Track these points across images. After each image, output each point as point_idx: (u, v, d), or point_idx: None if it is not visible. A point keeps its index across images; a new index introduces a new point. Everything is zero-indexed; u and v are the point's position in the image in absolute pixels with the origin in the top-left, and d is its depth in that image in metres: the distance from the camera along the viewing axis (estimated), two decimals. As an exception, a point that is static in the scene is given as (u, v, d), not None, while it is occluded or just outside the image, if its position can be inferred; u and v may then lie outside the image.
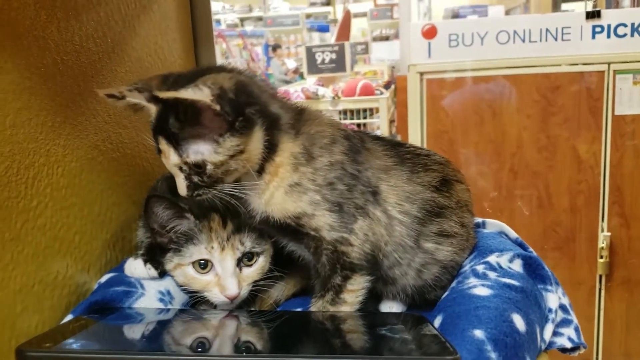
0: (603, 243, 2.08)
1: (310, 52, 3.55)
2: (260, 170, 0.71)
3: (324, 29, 7.53)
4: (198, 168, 0.68)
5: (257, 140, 0.69)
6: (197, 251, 0.76)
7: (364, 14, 7.47)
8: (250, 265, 0.78)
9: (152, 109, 0.68)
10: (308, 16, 7.91)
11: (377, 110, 3.28)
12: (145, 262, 0.79)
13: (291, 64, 6.50)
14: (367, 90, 3.31)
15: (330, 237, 0.72)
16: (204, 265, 0.76)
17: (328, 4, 8.19)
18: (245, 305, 0.80)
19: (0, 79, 0.64)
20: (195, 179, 0.69)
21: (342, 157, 0.74)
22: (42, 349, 0.55)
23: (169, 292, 0.78)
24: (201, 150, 0.67)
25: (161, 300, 0.76)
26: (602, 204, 2.08)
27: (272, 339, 0.67)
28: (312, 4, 8.23)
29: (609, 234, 2.08)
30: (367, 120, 3.33)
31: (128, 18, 0.90)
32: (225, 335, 0.68)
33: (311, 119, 0.76)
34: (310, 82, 3.71)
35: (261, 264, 0.79)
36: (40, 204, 0.70)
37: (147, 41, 0.96)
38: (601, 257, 2.08)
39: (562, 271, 2.13)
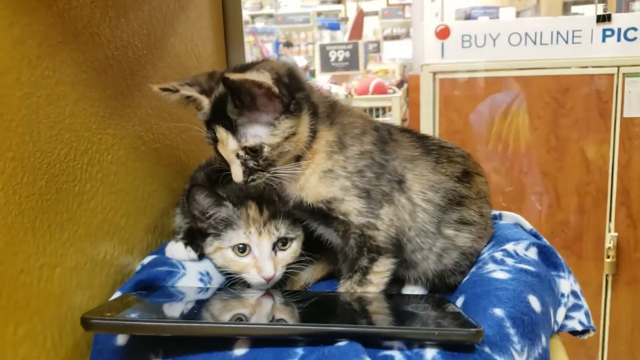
0: (610, 243, 2.11)
1: (324, 50, 3.60)
2: (298, 157, 0.76)
3: (334, 27, 7.56)
4: (254, 152, 0.73)
5: (305, 124, 0.75)
6: (236, 236, 0.82)
7: (375, 13, 7.50)
8: (284, 250, 0.84)
9: (205, 101, 0.74)
10: (319, 14, 7.94)
11: (390, 108, 3.32)
12: (186, 245, 0.85)
13: (301, 61, 6.54)
14: (380, 89, 3.36)
15: (358, 222, 0.77)
16: (242, 249, 0.82)
17: (339, 2, 8.20)
18: (278, 287, 0.86)
19: (61, 71, 0.70)
20: (251, 163, 0.74)
21: (372, 147, 0.79)
22: (105, 317, 0.60)
23: (207, 273, 0.84)
24: (259, 134, 0.72)
25: (201, 280, 0.82)
26: (609, 204, 2.12)
27: (304, 316, 0.72)
28: (323, 2, 8.25)
29: (616, 234, 2.11)
30: (380, 119, 3.37)
31: (168, 16, 0.96)
32: (262, 312, 0.73)
33: (344, 111, 0.82)
34: (324, 80, 3.76)
35: (294, 248, 0.85)
36: (93, 188, 0.76)
37: (184, 38, 1.02)
38: (608, 257, 2.12)
39: (569, 270, 2.16)
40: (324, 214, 0.78)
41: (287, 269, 0.84)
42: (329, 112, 0.79)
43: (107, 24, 0.80)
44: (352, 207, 0.77)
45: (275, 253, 0.83)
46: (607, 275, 2.14)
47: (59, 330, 0.68)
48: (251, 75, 0.67)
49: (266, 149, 0.72)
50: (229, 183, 0.80)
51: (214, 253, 0.83)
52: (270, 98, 0.70)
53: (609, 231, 2.12)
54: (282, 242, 0.84)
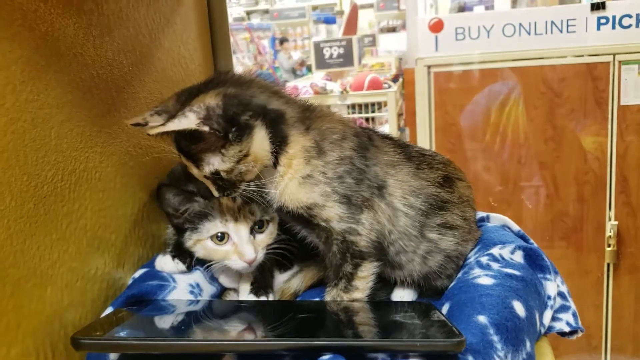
0: (610, 232, 2.11)
1: (318, 47, 3.61)
2: (276, 163, 0.78)
3: (330, 20, 7.53)
4: (216, 175, 0.76)
5: (259, 141, 0.75)
6: (214, 226, 0.83)
7: (370, 5, 7.47)
8: (262, 232, 0.86)
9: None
10: (314, 8, 7.91)
11: (385, 103, 3.33)
12: (173, 257, 0.87)
13: (297, 56, 6.54)
14: (375, 84, 3.36)
15: (339, 228, 0.78)
16: (221, 237, 0.84)
17: (334, -5, 8.18)
18: (270, 295, 0.87)
19: (46, 94, 0.71)
20: (219, 182, 0.77)
21: (352, 152, 0.79)
22: (94, 337, 0.62)
23: (198, 285, 0.85)
24: (211, 162, 0.75)
25: (191, 292, 0.83)
26: (608, 193, 2.12)
27: (291, 329, 0.73)
28: (318, -5, 8.23)
29: (616, 222, 2.11)
30: (376, 114, 3.38)
31: (154, 31, 0.97)
32: (249, 325, 0.75)
33: (322, 116, 0.82)
34: (319, 77, 3.76)
35: (271, 229, 0.87)
36: (81, 206, 0.77)
37: (171, 52, 1.02)
38: (609, 245, 2.12)
39: (569, 260, 2.17)
40: (306, 220, 0.79)
41: (268, 250, 0.86)
42: (302, 117, 0.80)
43: (91, 44, 0.80)
44: (333, 213, 0.77)
45: (254, 236, 0.85)
46: (608, 264, 2.15)
47: (52, 349, 0.69)
48: (172, 126, 0.70)
49: (222, 173, 0.75)
50: None
51: (195, 246, 0.85)
52: (208, 133, 0.72)
53: (609, 220, 2.12)
54: (258, 225, 0.86)
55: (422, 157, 0.87)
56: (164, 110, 0.75)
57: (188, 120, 0.70)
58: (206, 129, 0.70)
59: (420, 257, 0.84)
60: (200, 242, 0.84)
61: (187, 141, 0.74)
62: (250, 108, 0.75)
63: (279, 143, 0.77)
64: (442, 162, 0.89)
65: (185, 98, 0.75)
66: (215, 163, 0.75)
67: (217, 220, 0.83)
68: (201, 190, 0.84)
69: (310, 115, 0.81)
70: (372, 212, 0.79)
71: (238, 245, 0.83)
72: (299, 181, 0.77)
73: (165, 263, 0.87)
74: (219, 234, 0.83)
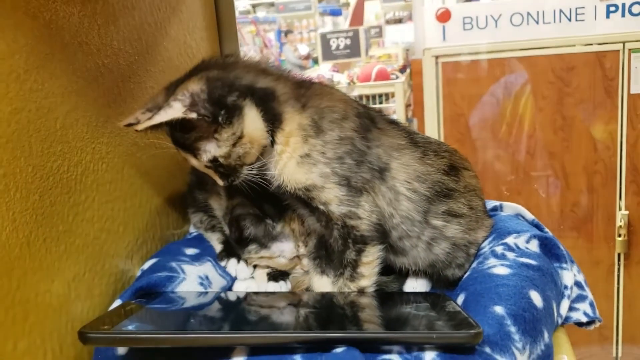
0: (621, 222, 2.09)
1: (324, 39, 3.58)
2: (273, 142, 0.76)
3: (336, 12, 7.51)
4: (215, 162, 0.74)
5: (252, 120, 0.74)
6: (289, 250, 0.88)
7: (377, -4, 7.43)
8: None
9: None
10: (320, 0, 7.89)
11: (393, 94, 3.31)
12: (239, 259, 0.91)
13: (303, 49, 6.50)
14: (383, 75, 3.33)
15: (339, 212, 0.76)
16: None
17: (340, -13, 8.14)
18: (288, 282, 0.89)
19: (51, 84, 0.70)
20: (221, 170, 0.76)
21: (352, 133, 0.77)
22: (102, 331, 0.60)
23: (207, 277, 0.84)
24: (208, 149, 0.74)
25: (201, 284, 0.82)
26: (619, 183, 2.10)
27: (303, 321, 0.71)
28: (324, -12, 8.19)
29: (626, 212, 2.09)
30: (383, 105, 3.36)
31: (160, 20, 0.95)
32: (260, 317, 0.73)
33: (321, 94, 0.80)
34: (325, 68, 3.74)
35: None
36: (88, 198, 0.76)
37: (177, 41, 1.01)
38: (619, 235, 2.10)
39: (580, 250, 2.16)
40: (305, 202, 0.78)
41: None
42: (296, 94, 0.78)
43: (96, 33, 0.79)
44: (332, 195, 0.75)
45: None
46: (619, 254, 2.13)
47: (59, 342, 0.68)
48: (158, 117, 0.69)
49: (221, 159, 0.74)
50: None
51: (260, 259, 0.89)
52: (198, 120, 0.70)
53: (620, 209, 2.10)
54: None
55: (428, 145, 0.85)
56: (155, 106, 0.73)
57: (174, 110, 0.69)
58: (194, 115, 0.69)
59: (424, 243, 0.82)
60: (270, 259, 0.89)
61: (180, 132, 0.73)
62: (236, 88, 0.73)
63: (272, 121, 0.75)
64: (447, 151, 0.87)
65: (173, 90, 0.73)
66: (212, 150, 0.74)
67: (291, 243, 0.87)
68: (269, 211, 0.87)
69: (305, 92, 0.79)
70: (372, 195, 0.77)
71: (303, 260, 0.88)
72: (297, 160, 0.75)
73: (242, 270, 0.91)
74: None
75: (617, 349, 2.19)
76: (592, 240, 2.16)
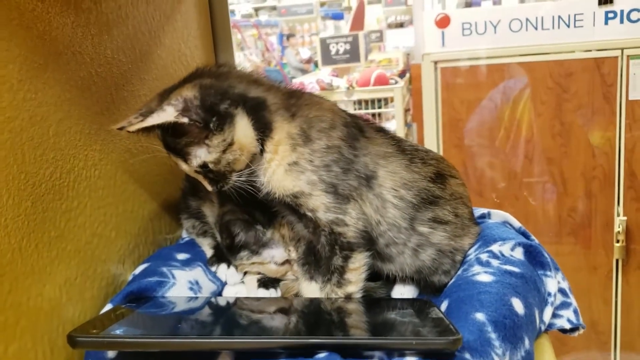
0: (619, 227, 2.10)
1: (324, 44, 3.60)
2: (263, 150, 0.78)
3: (338, 16, 7.52)
4: (205, 168, 0.76)
5: (243, 128, 0.75)
6: (278, 253, 0.89)
7: (378, 1, 7.44)
8: None
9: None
10: (322, 4, 7.91)
11: (392, 99, 3.32)
12: (229, 265, 0.92)
13: (305, 53, 6.52)
14: (382, 80, 3.34)
15: (326, 219, 0.77)
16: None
17: (342, -9, 8.16)
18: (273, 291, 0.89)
19: (44, 92, 0.71)
20: (210, 175, 0.77)
21: (340, 142, 0.79)
22: (91, 335, 0.62)
23: (197, 282, 0.85)
24: (198, 154, 0.75)
25: (191, 289, 0.83)
26: (617, 188, 2.10)
27: (288, 326, 0.72)
28: (327, -9, 8.21)
29: (624, 218, 2.09)
30: (382, 110, 3.37)
31: (154, 29, 0.97)
32: (246, 323, 0.75)
33: (311, 104, 0.81)
34: (325, 73, 3.76)
35: None
36: (80, 204, 0.78)
37: (171, 49, 1.02)
38: (617, 241, 2.10)
39: (578, 256, 2.16)
40: (293, 209, 0.79)
41: None
42: (286, 104, 0.80)
43: (89, 42, 0.81)
44: (319, 203, 0.77)
45: None
46: (617, 260, 2.13)
47: (50, 346, 0.69)
48: (151, 120, 0.71)
49: (211, 165, 0.76)
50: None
51: (252, 265, 0.90)
52: (189, 125, 0.72)
53: (618, 215, 2.11)
54: None
55: (416, 152, 0.86)
56: (148, 110, 0.75)
57: (166, 114, 0.71)
58: (185, 120, 0.71)
59: (411, 250, 0.83)
60: (262, 265, 0.90)
61: (172, 136, 0.75)
62: (228, 97, 0.75)
63: (262, 129, 0.77)
64: (435, 159, 0.88)
65: (167, 96, 0.75)
66: (202, 155, 0.75)
67: (281, 249, 0.88)
68: (258, 217, 0.88)
69: (295, 102, 0.80)
70: (359, 202, 0.79)
71: (294, 267, 0.89)
72: (285, 168, 0.77)
73: (232, 275, 0.92)
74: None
75: (614, 355, 2.19)
76: (590, 246, 2.17)
